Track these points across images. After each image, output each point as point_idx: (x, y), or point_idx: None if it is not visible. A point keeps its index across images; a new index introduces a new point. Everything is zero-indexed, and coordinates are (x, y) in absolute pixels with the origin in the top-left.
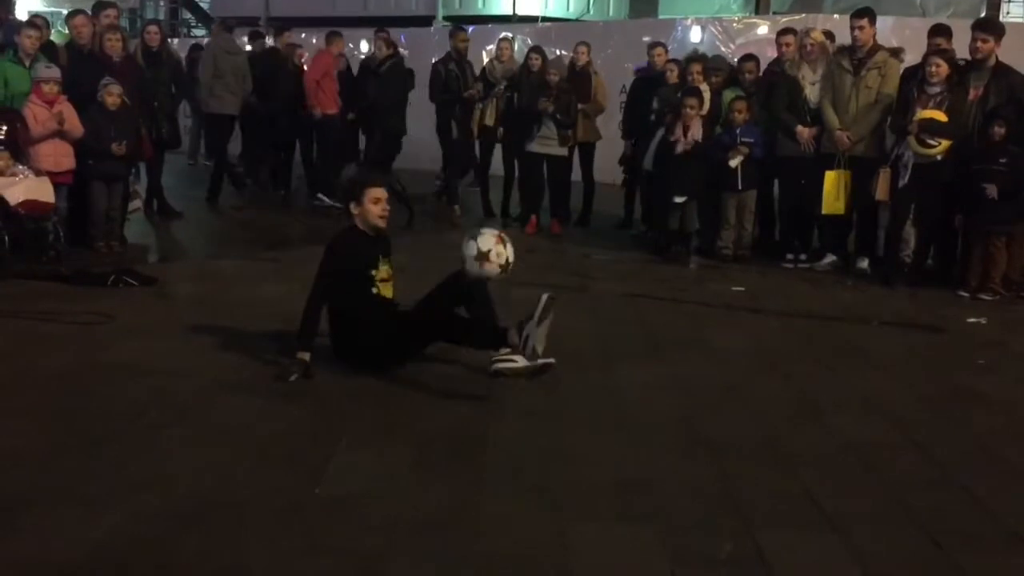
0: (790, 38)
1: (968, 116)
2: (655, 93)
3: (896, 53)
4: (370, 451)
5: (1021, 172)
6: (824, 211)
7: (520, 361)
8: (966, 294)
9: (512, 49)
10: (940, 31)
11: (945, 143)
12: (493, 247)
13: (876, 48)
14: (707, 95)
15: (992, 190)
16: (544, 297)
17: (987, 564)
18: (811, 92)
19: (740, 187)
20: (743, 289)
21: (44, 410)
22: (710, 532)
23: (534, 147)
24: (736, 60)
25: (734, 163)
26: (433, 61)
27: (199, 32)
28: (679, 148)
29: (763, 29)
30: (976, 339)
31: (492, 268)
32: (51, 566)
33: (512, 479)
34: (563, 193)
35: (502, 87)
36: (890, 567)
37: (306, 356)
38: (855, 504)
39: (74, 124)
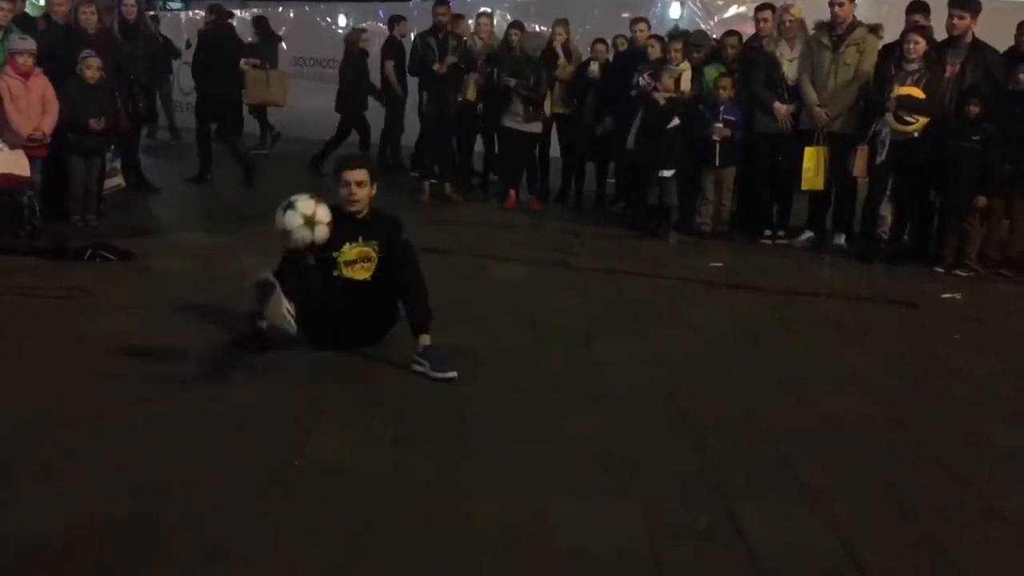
0: (768, 14)
1: (945, 93)
2: (636, 70)
3: (875, 30)
4: (350, 425)
5: (994, 150)
6: (803, 187)
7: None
8: (942, 270)
9: (492, 24)
10: (918, 8)
11: (922, 120)
12: (315, 209)
13: (855, 25)
14: (688, 72)
15: (935, 195)
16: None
17: (962, 536)
18: (789, 68)
19: (718, 163)
20: (721, 265)
21: (20, 385)
22: (688, 505)
23: (508, 122)
24: (717, 36)
25: (717, 137)
26: (413, 34)
27: (175, 6)
28: (661, 99)
29: (743, 6)
30: (952, 314)
31: (322, 230)
32: (28, 543)
33: (492, 454)
34: (541, 168)
35: (482, 62)
36: (866, 539)
37: (263, 323)
38: (831, 477)
39: (50, 101)
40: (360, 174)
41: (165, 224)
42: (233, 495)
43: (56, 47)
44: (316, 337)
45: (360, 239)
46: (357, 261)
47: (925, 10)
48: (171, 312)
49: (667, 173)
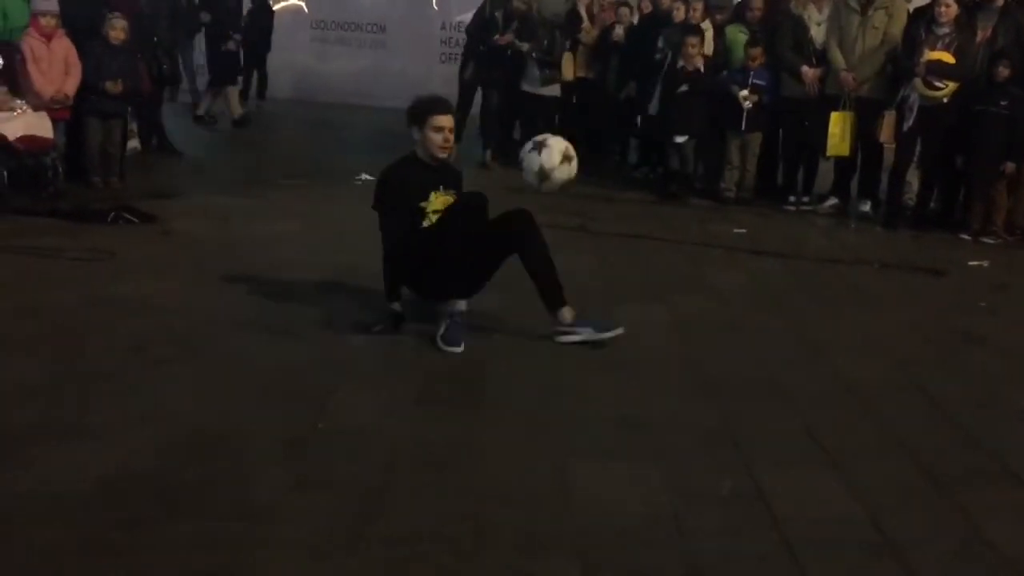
0: None
1: (976, 58)
2: (659, 33)
3: None
4: (372, 388)
5: (1022, 115)
6: (829, 153)
7: (581, 333)
8: (968, 237)
9: None
10: None
11: (952, 85)
12: (566, 144)
13: None
14: (709, 33)
15: (960, 161)
16: (619, 331)
17: (985, 500)
18: (817, 32)
19: (744, 128)
20: (745, 231)
21: (46, 346)
22: (710, 469)
23: (526, 86)
24: None
25: (747, 104)
26: None
27: None
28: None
29: None
30: (978, 282)
31: (576, 165)
32: (56, 498)
33: (513, 416)
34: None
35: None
36: (889, 503)
37: (397, 307)
38: (855, 442)
39: (73, 63)
40: (451, 119)
41: (187, 187)
42: (256, 454)
43: (78, 9)
44: (428, 292)
45: (441, 188)
46: (441, 210)
47: None
48: (193, 274)
49: (680, 139)
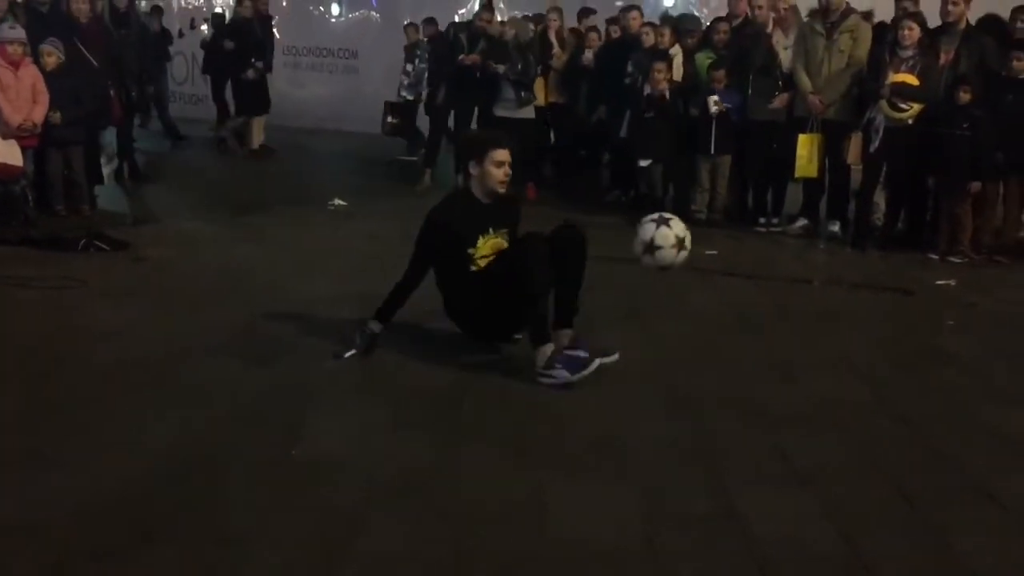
0: (762, 0)
1: (939, 80)
2: (629, 58)
3: (868, 16)
4: (347, 411)
5: (984, 136)
6: (797, 175)
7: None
8: (936, 256)
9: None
10: None
11: (916, 107)
12: (687, 233)
13: (849, 11)
14: (679, 58)
15: (931, 181)
16: (615, 356)
17: (958, 519)
18: (784, 56)
19: (713, 151)
20: (716, 252)
21: (16, 374)
22: (685, 489)
23: (499, 111)
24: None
25: (715, 110)
26: (449, 23)
27: None
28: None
29: None
30: (946, 301)
31: (650, 262)
32: (29, 528)
33: (488, 438)
34: (536, 156)
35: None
36: (862, 522)
37: (376, 327)
38: (828, 461)
39: (40, 91)
40: (509, 153)
41: (159, 214)
42: (231, 480)
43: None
44: (476, 334)
45: (491, 230)
46: (491, 255)
47: None
48: (165, 301)
49: (644, 163)
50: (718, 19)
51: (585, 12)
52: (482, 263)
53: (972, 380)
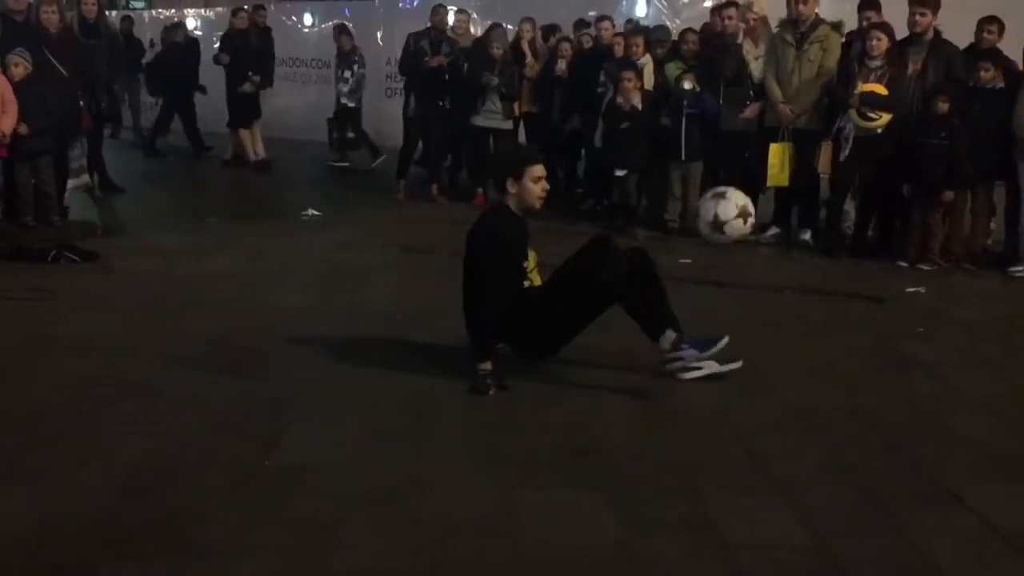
0: (732, 11)
1: (908, 89)
2: (602, 68)
3: (837, 27)
4: (322, 422)
5: (960, 146)
6: (768, 183)
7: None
8: (906, 264)
9: (469, 23)
10: (869, 5)
11: (885, 116)
12: (747, 200)
13: (818, 22)
14: (650, 67)
15: (907, 189)
16: (724, 340)
17: (928, 523)
18: (755, 67)
19: (684, 157)
20: (690, 261)
21: None
22: (659, 496)
23: (479, 120)
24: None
25: (687, 85)
26: (408, 33)
27: (138, 5)
28: (624, 106)
29: (707, 3)
30: (916, 308)
31: (722, 239)
32: None
33: (463, 448)
34: None
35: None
36: (834, 528)
37: (488, 365)
38: (800, 468)
39: (9, 101)
40: (544, 168)
41: (129, 224)
42: (206, 492)
43: (14, 47)
44: (520, 346)
45: (528, 244)
46: (535, 267)
47: (876, 7)
48: (137, 313)
49: (620, 173)
50: (687, 29)
51: (552, 28)
52: (534, 278)
53: (943, 387)
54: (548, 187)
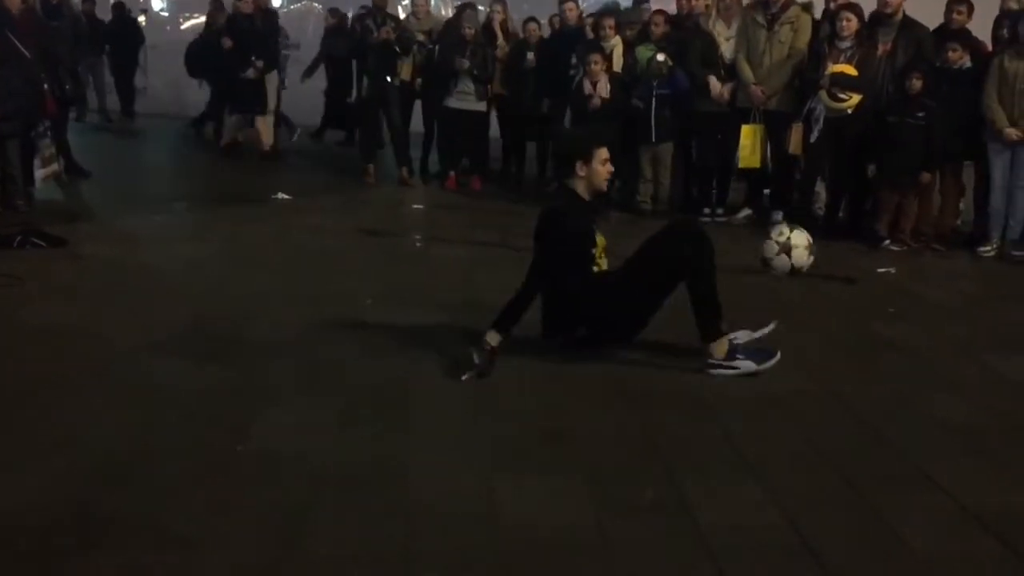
0: None
1: (878, 70)
2: (573, 50)
3: (808, 8)
4: (294, 407)
5: (938, 126)
6: (740, 165)
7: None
8: (876, 245)
9: (428, 4)
10: None
11: (855, 97)
12: (799, 249)
13: (789, 3)
14: (620, 49)
15: (871, 169)
16: (777, 356)
17: (900, 502)
18: (726, 47)
19: (654, 139)
20: None
21: None
22: (633, 480)
23: (452, 103)
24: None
25: (661, 58)
26: (350, 15)
27: None
28: (593, 103)
29: None
30: (886, 288)
31: (783, 265)
32: None
33: (437, 433)
34: (483, 149)
35: (419, 41)
36: (807, 510)
37: (495, 340)
38: (773, 449)
39: None
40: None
41: (97, 209)
42: (174, 480)
43: None
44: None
45: (596, 228)
46: (603, 249)
47: None
48: (105, 299)
49: None
50: (657, 11)
51: (531, 20)
52: (601, 263)
53: (912, 366)
54: (612, 169)
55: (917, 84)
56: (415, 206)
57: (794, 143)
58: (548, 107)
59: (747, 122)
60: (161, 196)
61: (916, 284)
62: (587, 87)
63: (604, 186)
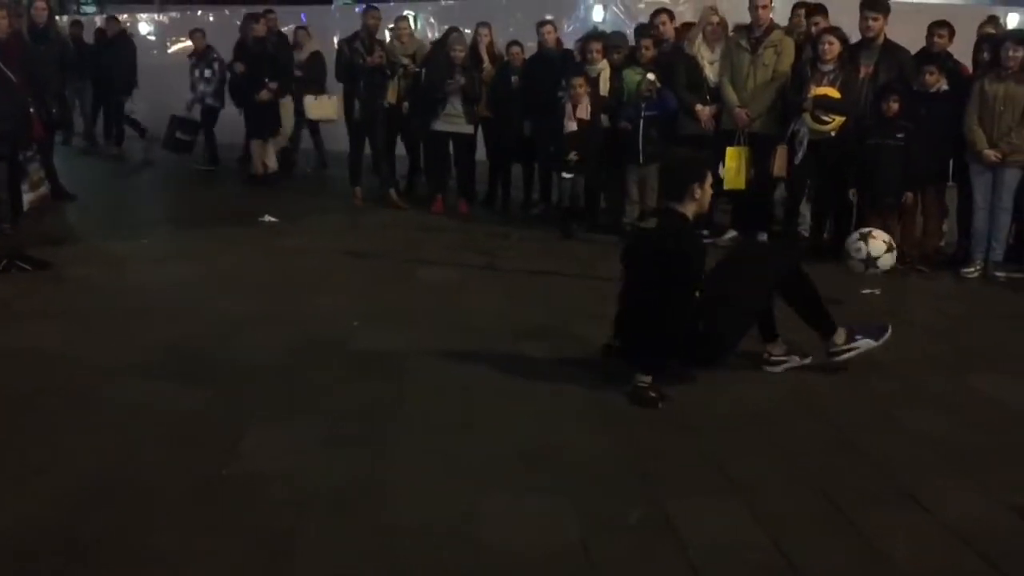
0: (664, 18)
1: (860, 93)
2: (553, 73)
3: (790, 32)
4: (278, 429)
5: (914, 148)
6: (725, 187)
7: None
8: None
9: (411, 28)
10: (817, 10)
11: (838, 119)
12: (880, 255)
13: (772, 27)
14: (606, 73)
15: (854, 194)
16: (889, 330)
17: (883, 521)
18: (710, 71)
19: (642, 160)
20: None
21: None
22: (618, 499)
23: (439, 125)
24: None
25: (651, 77)
26: (336, 40)
27: (89, 10)
28: (567, 127)
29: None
30: (871, 309)
31: (876, 271)
32: None
33: (421, 454)
34: (470, 172)
35: (404, 65)
36: (790, 526)
37: (649, 379)
38: (757, 468)
39: None
40: None
41: (81, 233)
42: (160, 502)
43: None
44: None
45: None
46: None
47: (823, 12)
48: (90, 322)
49: (568, 176)
50: (643, 36)
51: (515, 44)
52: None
53: (896, 386)
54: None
55: (894, 106)
56: (402, 229)
57: (779, 165)
58: (530, 130)
59: (732, 144)
60: (146, 219)
61: (899, 305)
62: (568, 110)
63: (707, 208)
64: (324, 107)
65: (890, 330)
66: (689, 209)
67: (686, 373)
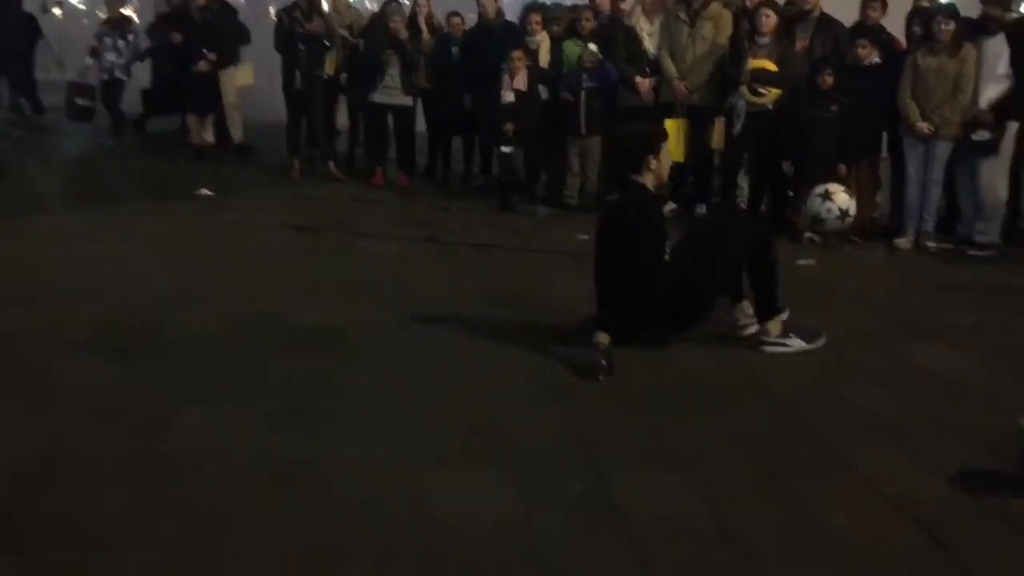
0: None
1: (796, 65)
2: (493, 45)
3: (728, 4)
4: (216, 405)
5: (848, 120)
6: None
7: (792, 346)
8: (798, 237)
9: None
10: None
11: (775, 92)
12: (849, 205)
13: (710, 0)
14: (546, 45)
15: (788, 167)
16: (823, 339)
17: (820, 489)
18: (649, 43)
19: (584, 132)
20: (587, 237)
21: None
22: (559, 473)
23: (377, 97)
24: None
25: (594, 48)
26: (274, 10)
27: None
28: (504, 98)
29: None
30: (806, 280)
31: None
32: None
33: (363, 431)
34: (409, 144)
35: (342, 36)
36: (731, 500)
37: (606, 340)
38: (697, 440)
39: None
40: None
41: (15, 206)
42: (93, 481)
43: None
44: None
45: None
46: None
47: None
48: (22, 297)
49: (506, 150)
50: (582, 7)
51: (455, 15)
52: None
53: (832, 356)
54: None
55: (828, 80)
56: (341, 201)
57: (716, 138)
58: (470, 103)
59: (671, 116)
60: (80, 192)
61: (835, 275)
62: (505, 82)
63: (667, 176)
64: (244, 74)
65: (824, 339)
66: (648, 179)
67: (660, 340)
